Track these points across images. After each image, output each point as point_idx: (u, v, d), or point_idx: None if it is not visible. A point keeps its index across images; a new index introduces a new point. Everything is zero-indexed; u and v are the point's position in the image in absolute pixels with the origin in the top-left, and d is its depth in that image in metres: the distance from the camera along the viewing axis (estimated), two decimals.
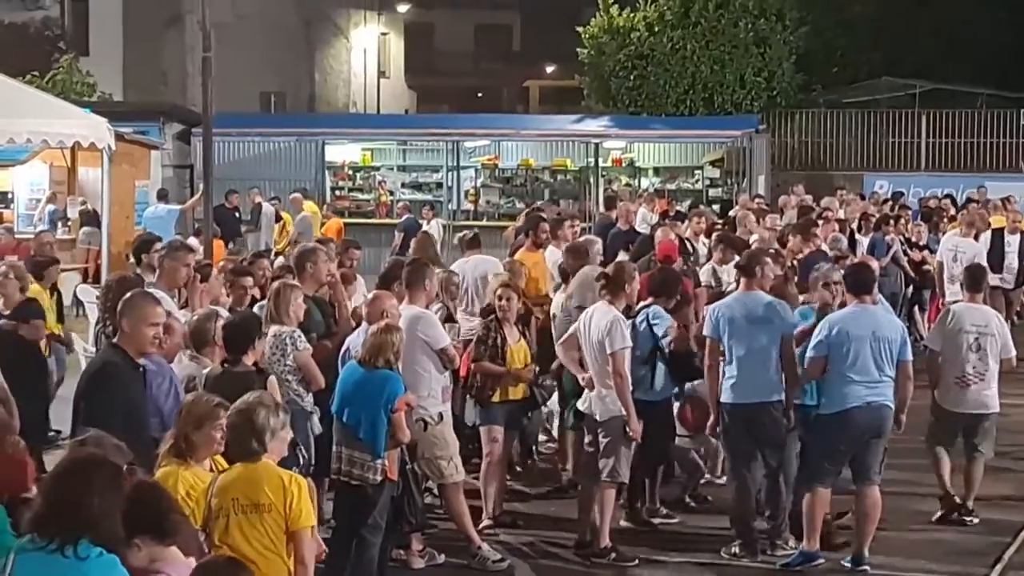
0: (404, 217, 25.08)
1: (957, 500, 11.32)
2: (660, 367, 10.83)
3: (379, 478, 8.86)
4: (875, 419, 9.91)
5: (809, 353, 10.06)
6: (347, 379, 9.12)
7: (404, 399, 8.97)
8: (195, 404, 7.06)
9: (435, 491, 10.62)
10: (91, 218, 23.16)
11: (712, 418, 10.59)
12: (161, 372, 8.32)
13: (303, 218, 24.72)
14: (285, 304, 9.71)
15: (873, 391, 9.87)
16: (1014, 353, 11.60)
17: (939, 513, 11.33)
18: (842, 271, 10.89)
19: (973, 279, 11.77)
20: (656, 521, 11.28)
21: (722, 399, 10.37)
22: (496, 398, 10.98)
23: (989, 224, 19.43)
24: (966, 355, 11.22)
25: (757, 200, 22.20)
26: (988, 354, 11.23)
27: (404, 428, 8.93)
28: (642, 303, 11.03)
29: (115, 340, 7.97)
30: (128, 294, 8.20)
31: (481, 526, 10.68)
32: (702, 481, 12.01)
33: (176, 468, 6.87)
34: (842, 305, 10.38)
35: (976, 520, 11.27)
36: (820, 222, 16.75)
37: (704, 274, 14.15)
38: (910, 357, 10.08)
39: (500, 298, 11.08)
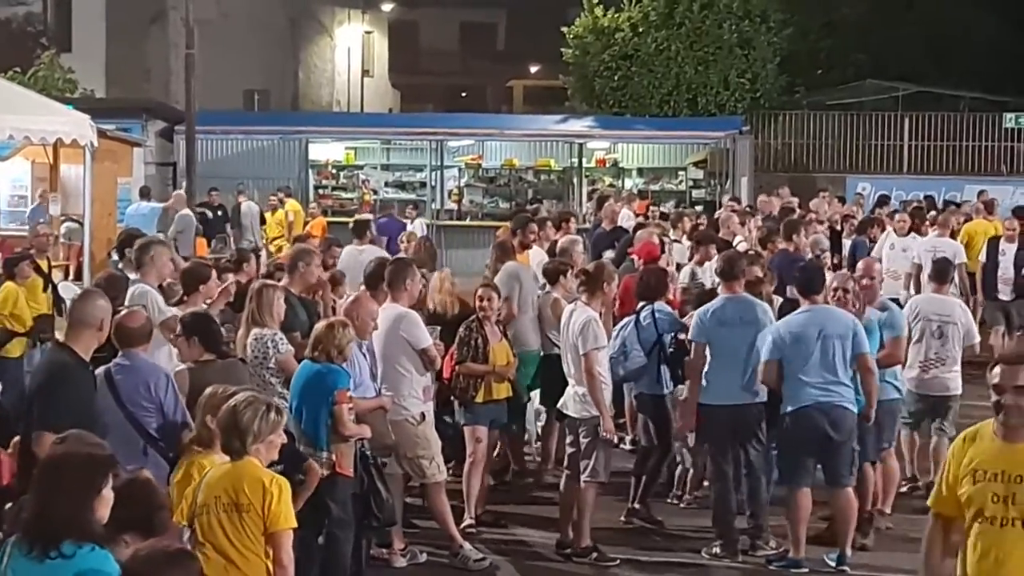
0: (379, 219, 25.12)
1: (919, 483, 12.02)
2: None
3: (325, 471, 8.69)
4: (829, 420, 9.90)
5: (762, 356, 10.12)
6: (298, 375, 9.11)
7: (345, 391, 8.86)
8: (212, 396, 7.34)
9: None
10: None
11: (692, 419, 10.64)
12: (156, 372, 8.34)
13: (182, 216, 24.41)
14: (268, 305, 9.66)
15: (825, 392, 9.89)
16: (977, 340, 12.25)
17: (906, 487, 11.92)
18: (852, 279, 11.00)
19: (939, 272, 12.63)
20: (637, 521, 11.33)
21: (706, 400, 10.39)
22: (479, 398, 10.97)
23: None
24: (928, 342, 11.81)
25: (729, 203, 22.13)
26: (950, 340, 11.86)
27: (345, 421, 8.81)
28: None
29: (63, 340, 7.86)
30: (78, 293, 8.13)
31: (463, 525, 10.68)
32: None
33: (194, 456, 7.28)
34: None
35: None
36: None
37: (683, 275, 14.14)
38: (866, 349, 10.08)
39: (481, 299, 11.09)
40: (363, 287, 10.73)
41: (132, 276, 10.65)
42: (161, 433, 8.02)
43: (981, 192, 25.10)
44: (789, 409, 10.00)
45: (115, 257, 14.48)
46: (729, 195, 27.22)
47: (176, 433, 8.03)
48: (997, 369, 5.83)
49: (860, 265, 11.59)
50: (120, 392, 8.07)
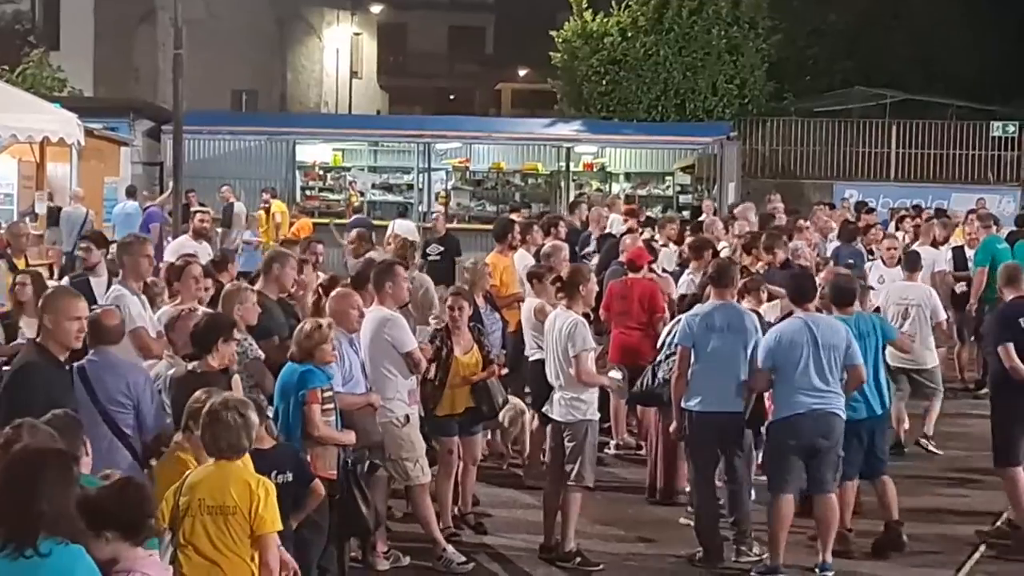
0: (352, 218, 25.13)
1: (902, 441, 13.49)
2: None
3: None
4: (821, 427, 9.91)
5: (757, 364, 10.11)
6: (280, 377, 9.06)
7: (316, 391, 8.73)
8: (195, 400, 7.19)
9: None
10: (57, 215, 22.85)
11: (675, 425, 10.61)
12: (136, 370, 8.35)
13: (67, 212, 23.80)
14: (238, 307, 9.55)
15: (818, 399, 9.89)
16: (943, 318, 13.87)
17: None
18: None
19: (909, 262, 14.25)
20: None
21: (690, 407, 10.35)
22: (439, 412, 10.72)
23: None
24: (897, 321, 13.14)
25: (706, 204, 22.53)
26: (917, 320, 13.47)
27: (315, 421, 8.70)
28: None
29: (37, 339, 7.79)
30: (48, 290, 8.11)
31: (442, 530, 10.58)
32: None
33: (184, 453, 7.20)
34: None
35: (933, 447, 13.79)
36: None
37: (683, 286, 13.92)
38: (859, 361, 10.11)
39: (451, 308, 10.88)
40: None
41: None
42: (135, 432, 8.01)
43: (979, 199, 25.01)
44: (782, 416, 9.99)
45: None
46: (717, 201, 27.20)
47: (152, 431, 8.03)
48: None
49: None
50: (96, 389, 8.02)
